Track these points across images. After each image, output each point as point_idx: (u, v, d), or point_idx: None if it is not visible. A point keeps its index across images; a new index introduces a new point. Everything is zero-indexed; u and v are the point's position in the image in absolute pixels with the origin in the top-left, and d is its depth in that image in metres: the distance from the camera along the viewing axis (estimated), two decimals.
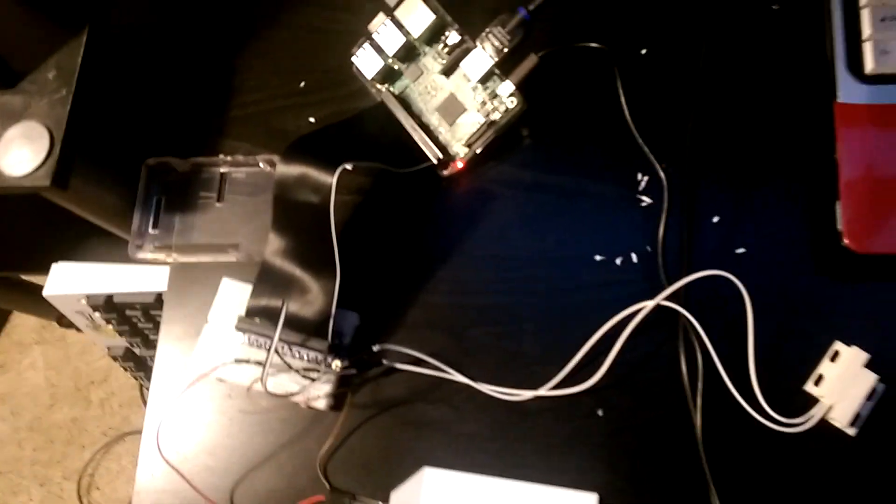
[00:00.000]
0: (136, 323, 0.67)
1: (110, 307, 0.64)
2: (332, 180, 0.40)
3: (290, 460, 0.43)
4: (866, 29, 0.41)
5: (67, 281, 0.63)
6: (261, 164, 0.47)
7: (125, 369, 0.78)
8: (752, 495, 0.38)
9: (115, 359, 0.77)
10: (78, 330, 0.74)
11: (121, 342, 0.74)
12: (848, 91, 0.40)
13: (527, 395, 0.41)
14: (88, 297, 0.64)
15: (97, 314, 0.66)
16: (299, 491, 0.42)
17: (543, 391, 0.40)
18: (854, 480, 0.38)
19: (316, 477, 0.42)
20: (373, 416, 0.43)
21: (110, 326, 0.69)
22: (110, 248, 0.58)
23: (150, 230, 0.48)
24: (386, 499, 0.40)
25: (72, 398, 1.24)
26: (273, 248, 0.42)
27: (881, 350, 0.38)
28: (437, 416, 0.42)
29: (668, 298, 0.39)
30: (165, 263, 0.48)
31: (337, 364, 0.41)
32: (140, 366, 0.78)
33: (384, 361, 0.42)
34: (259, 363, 0.41)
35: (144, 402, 1.14)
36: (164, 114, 0.50)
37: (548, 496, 0.39)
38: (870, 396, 0.37)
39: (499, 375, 0.41)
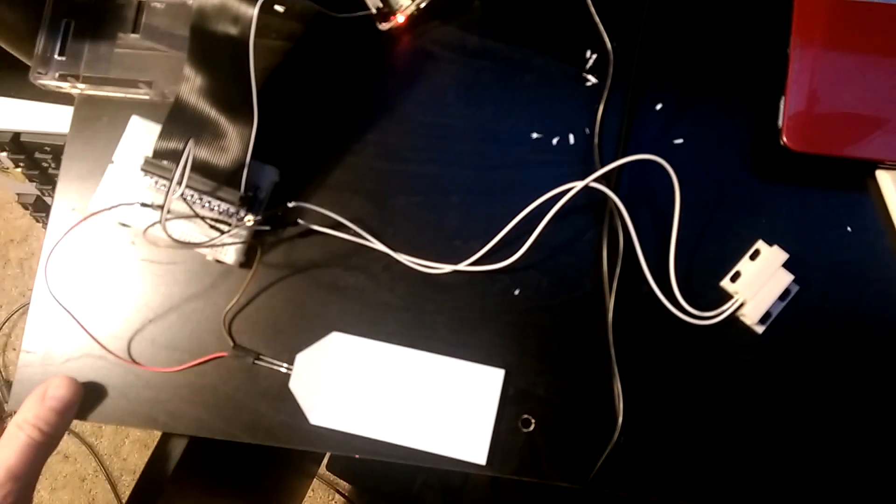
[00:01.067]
0: (46, 167, 0.63)
1: (18, 147, 0.59)
2: (254, 10, 0.36)
3: (193, 314, 0.41)
4: None
5: None
6: None
7: (36, 220, 0.74)
8: (654, 382, 0.38)
9: (25, 207, 0.72)
10: None
11: (32, 189, 0.69)
12: None
13: (445, 268, 0.39)
14: None
15: (4, 154, 0.61)
16: (202, 346, 0.40)
17: (462, 266, 0.39)
18: (756, 377, 0.38)
19: (220, 334, 0.40)
20: (284, 277, 0.41)
21: (19, 170, 0.64)
22: (16, 80, 0.53)
23: (56, 57, 0.43)
24: (291, 361, 0.39)
25: None
26: (188, 84, 0.38)
27: (801, 252, 0.38)
28: (352, 283, 0.40)
29: (598, 181, 0.37)
30: (70, 94, 0.44)
31: (249, 218, 0.39)
32: None
33: (300, 221, 0.40)
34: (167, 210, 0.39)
35: None
36: None
37: (456, 368, 0.39)
38: (783, 297, 0.38)
39: (418, 246, 0.40)
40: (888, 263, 0.38)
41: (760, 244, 0.38)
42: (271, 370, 0.40)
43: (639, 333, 0.39)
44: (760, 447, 0.38)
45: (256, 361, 0.40)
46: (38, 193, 0.70)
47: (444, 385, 0.39)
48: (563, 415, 0.38)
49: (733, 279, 0.38)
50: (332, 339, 0.40)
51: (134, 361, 0.40)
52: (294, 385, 0.39)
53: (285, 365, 0.39)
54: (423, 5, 0.41)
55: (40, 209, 0.73)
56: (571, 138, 0.41)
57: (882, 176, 0.38)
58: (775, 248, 0.38)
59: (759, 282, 0.37)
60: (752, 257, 0.38)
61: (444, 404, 0.38)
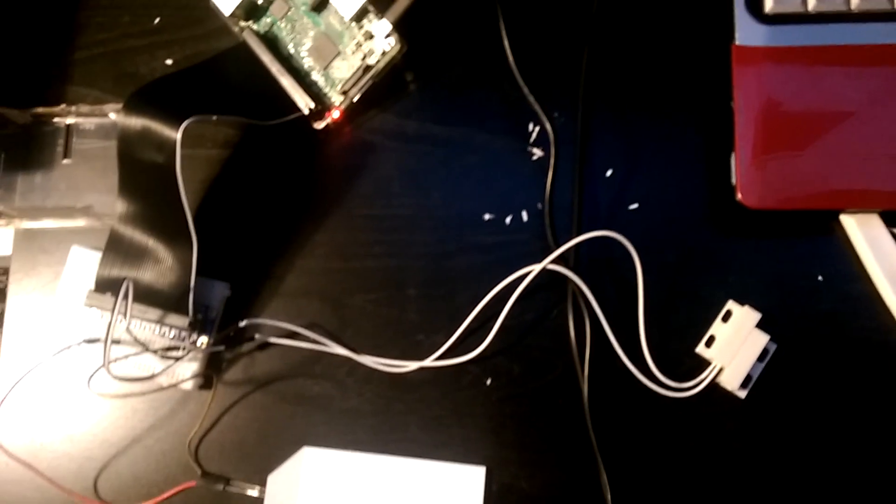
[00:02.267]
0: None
1: None
2: (177, 135, 0.35)
3: (157, 444, 0.39)
4: None
5: None
6: (111, 115, 0.42)
7: None
8: (640, 462, 0.37)
9: None
10: None
11: None
12: (746, 33, 0.37)
13: (411, 366, 0.38)
14: None
15: None
16: (169, 477, 0.39)
17: (428, 362, 0.38)
18: (743, 444, 0.37)
19: (187, 462, 0.38)
20: (247, 394, 0.39)
21: None
22: None
23: None
24: (263, 483, 0.38)
25: None
26: (121, 213, 0.37)
27: (774, 308, 0.37)
28: (317, 392, 0.39)
29: (555, 261, 0.36)
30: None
31: (202, 341, 0.37)
32: None
33: (257, 335, 0.39)
34: (115, 342, 0.37)
35: None
36: None
37: (434, 471, 0.37)
38: (761, 357, 0.36)
39: (381, 345, 0.39)
40: (865, 309, 0.37)
41: (731, 304, 0.37)
42: (243, 495, 0.38)
43: (619, 413, 0.37)
44: None
45: (227, 488, 0.38)
46: None
47: (424, 490, 0.37)
48: None
49: (708, 344, 0.37)
50: (302, 454, 0.38)
51: (101, 500, 0.39)
52: None
53: (258, 488, 0.38)
54: (356, 98, 0.40)
55: None
56: (525, 216, 0.39)
57: (847, 221, 0.37)
58: (746, 307, 0.36)
59: (734, 345, 0.36)
60: (725, 319, 0.37)
61: None
